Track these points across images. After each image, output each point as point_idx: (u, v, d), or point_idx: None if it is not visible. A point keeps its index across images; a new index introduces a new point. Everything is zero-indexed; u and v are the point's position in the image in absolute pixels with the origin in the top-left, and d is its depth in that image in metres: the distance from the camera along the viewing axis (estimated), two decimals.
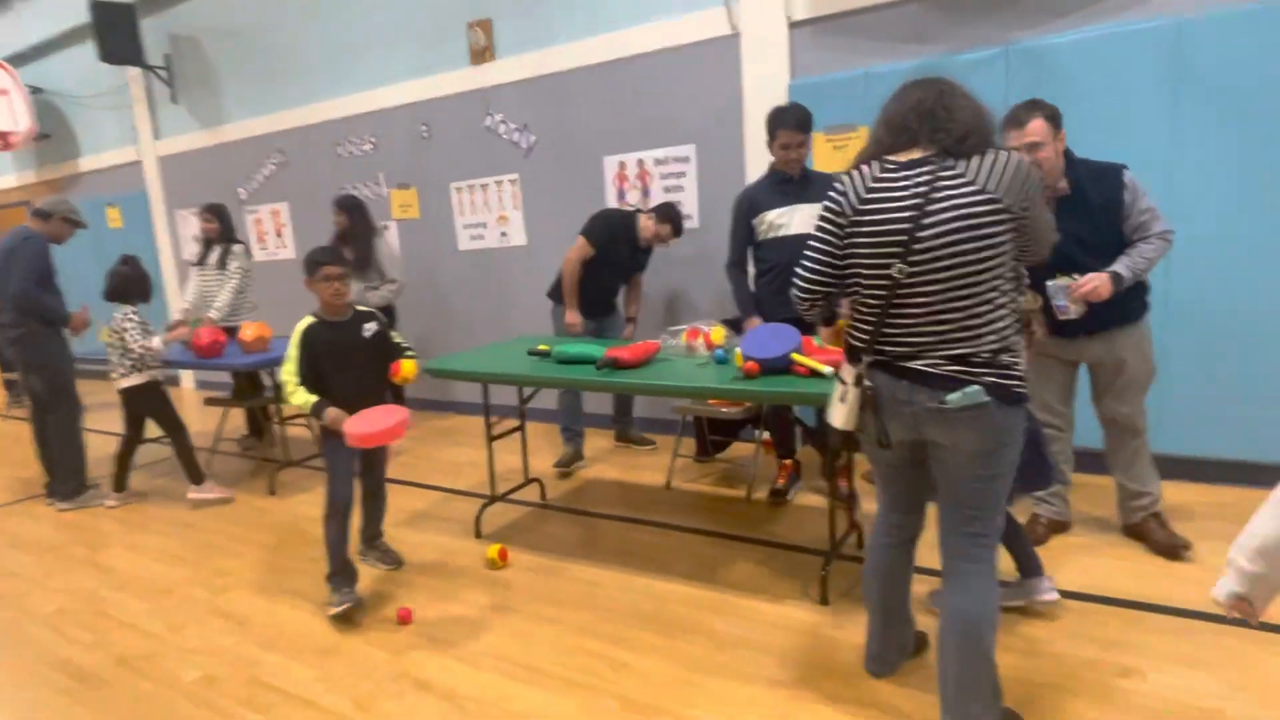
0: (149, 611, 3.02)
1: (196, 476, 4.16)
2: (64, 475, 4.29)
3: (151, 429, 4.13)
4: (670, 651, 2.48)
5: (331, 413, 2.75)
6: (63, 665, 2.67)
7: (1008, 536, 2.46)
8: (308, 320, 2.84)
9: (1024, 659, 2.29)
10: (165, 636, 2.82)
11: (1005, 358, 1.74)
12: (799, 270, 1.96)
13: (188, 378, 7.96)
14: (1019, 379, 1.76)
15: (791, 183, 3.37)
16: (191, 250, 6.35)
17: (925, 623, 2.43)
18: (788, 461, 3.74)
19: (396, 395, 2.99)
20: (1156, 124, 3.31)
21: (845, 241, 1.86)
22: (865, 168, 1.84)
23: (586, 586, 2.96)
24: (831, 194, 1.88)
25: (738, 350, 2.81)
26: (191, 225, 7.28)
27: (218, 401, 5.02)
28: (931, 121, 1.75)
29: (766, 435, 4.02)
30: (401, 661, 2.53)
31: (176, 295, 7.54)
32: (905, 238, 1.73)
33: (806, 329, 3.01)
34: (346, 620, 2.79)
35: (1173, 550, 2.81)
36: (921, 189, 1.73)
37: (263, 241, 6.93)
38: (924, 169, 1.75)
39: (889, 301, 1.79)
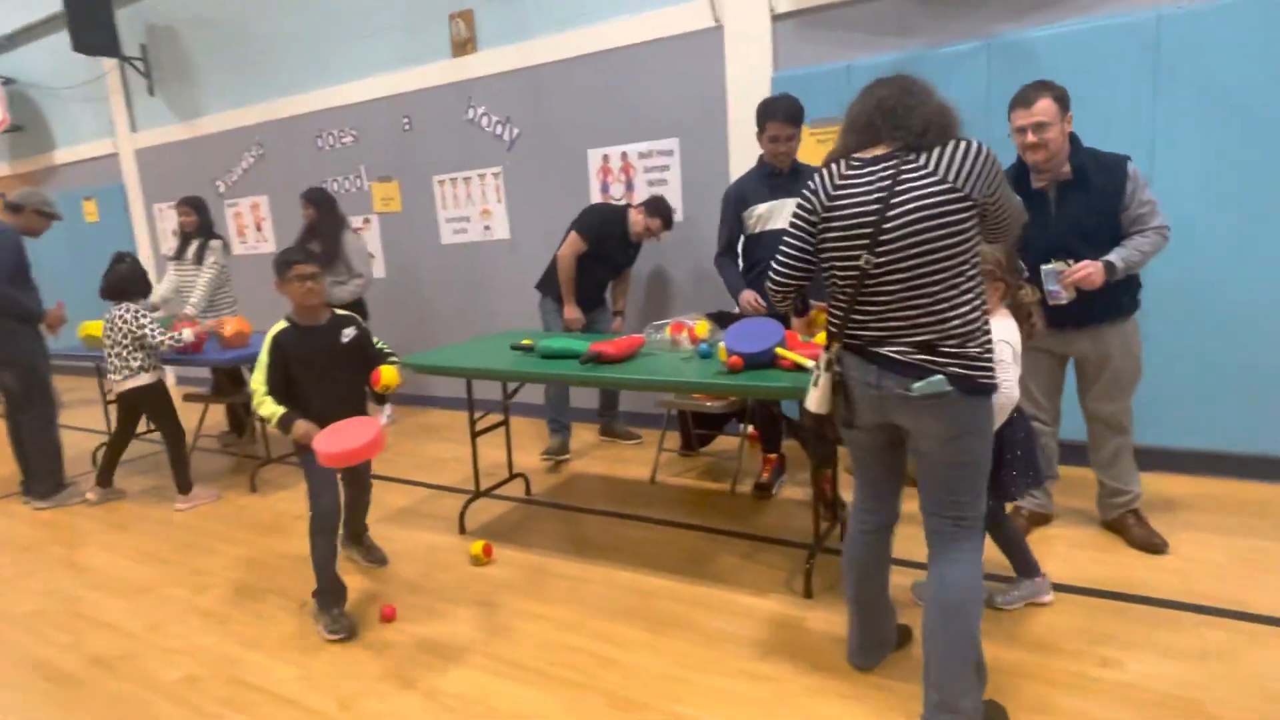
0: (128, 611, 2.98)
1: (185, 485, 4.08)
2: (40, 474, 4.22)
3: (141, 426, 4.08)
4: (656, 647, 2.48)
5: (301, 426, 2.58)
6: (39, 666, 2.63)
7: (1004, 537, 2.48)
8: (280, 324, 2.71)
9: (1005, 649, 2.31)
10: (144, 636, 2.78)
11: (973, 348, 1.80)
12: (774, 264, 2.06)
13: (168, 374, 7.86)
14: (985, 369, 1.81)
15: (780, 176, 3.34)
16: (170, 245, 6.26)
17: (911, 617, 2.45)
18: (772, 455, 3.75)
19: (377, 396, 2.86)
20: (1136, 116, 3.33)
21: (818, 237, 1.95)
22: (834, 166, 1.92)
23: (572, 582, 2.95)
24: (804, 192, 1.97)
25: (722, 345, 2.81)
26: (170, 219, 7.20)
27: (197, 398, 4.97)
28: (893, 119, 1.83)
29: (751, 429, 4.03)
30: (385, 660, 2.51)
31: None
32: (871, 229, 1.81)
33: (790, 324, 3.01)
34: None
35: (1150, 547, 2.84)
36: (885, 182, 1.81)
37: (242, 235, 6.85)
38: (888, 163, 1.83)
39: (858, 290, 1.87)
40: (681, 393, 3.79)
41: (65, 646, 2.75)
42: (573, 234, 4.15)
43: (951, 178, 1.76)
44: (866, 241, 1.82)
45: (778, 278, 2.06)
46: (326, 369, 2.71)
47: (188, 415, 5.27)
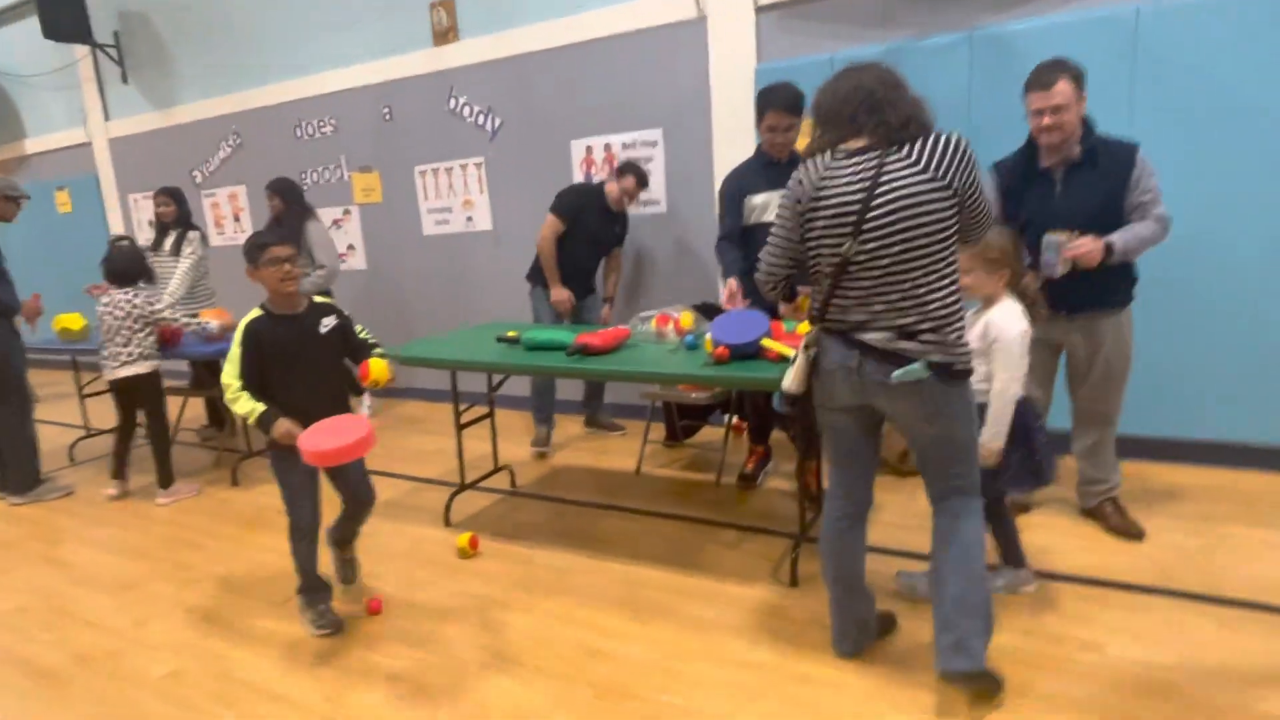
0: (112, 607, 2.95)
1: (167, 479, 4.04)
2: (16, 469, 4.16)
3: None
4: (644, 636, 2.50)
5: (283, 425, 2.39)
6: (23, 665, 2.60)
7: (1003, 528, 2.52)
8: (254, 313, 2.49)
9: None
10: (129, 632, 2.76)
11: (950, 334, 1.89)
12: (762, 255, 2.15)
13: None
14: (963, 355, 1.91)
15: (777, 167, 3.23)
16: (147, 235, 6.17)
17: (894, 605, 2.48)
18: (759, 447, 3.77)
19: (355, 387, 2.72)
20: (1115, 108, 3.37)
21: (803, 228, 1.99)
22: (819, 158, 1.96)
23: (558, 573, 2.97)
24: (789, 184, 2.02)
25: (708, 336, 2.82)
26: (145, 210, 7.09)
27: (176, 391, 4.90)
28: (877, 113, 1.88)
29: (735, 419, 4.05)
30: (371, 653, 2.51)
31: None
32: (855, 218, 1.87)
33: (777, 315, 3.03)
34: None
35: (1128, 534, 2.89)
36: (870, 173, 1.87)
37: (220, 226, 6.76)
38: (870, 155, 1.89)
39: (839, 275, 1.94)
40: (667, 384, 3.81)
41: (49, 644, 2.72)
42: (549, 216, 4.16)
43: (934, 169, 1.83)
44: (850, 229, 1.88)
45: (766, 268, 2.14)
46: (304, 362, 2.51)
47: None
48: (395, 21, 5.32)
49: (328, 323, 2.58)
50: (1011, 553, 2.55)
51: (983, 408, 2.26)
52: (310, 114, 5.91)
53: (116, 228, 7.45)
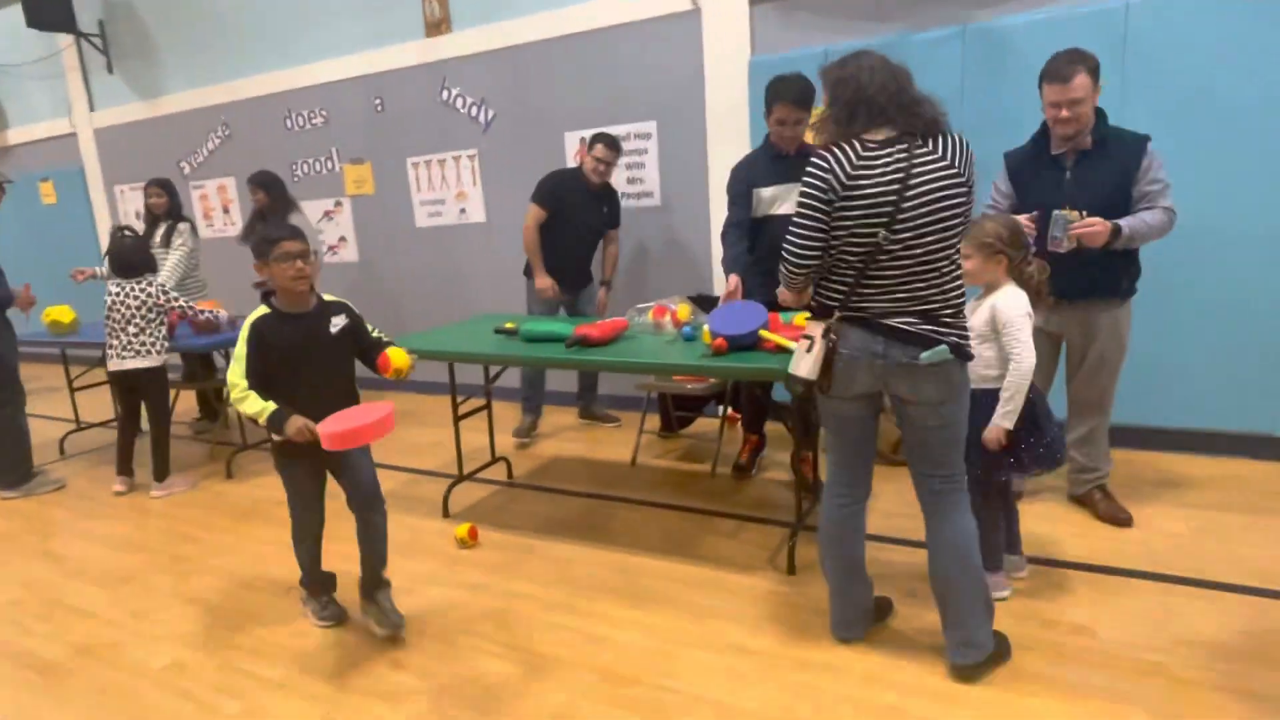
0: (109, 599, 2.95)
1: (163, 473, 4.02)
2: (8, 463, 4.13)
3: (108, 414, 4.01)
4: (645, 624, 2.53)
5: (296, 423, 2.26)
6: (22, 657, 2.60)
7: (1003, 511, 2.56)
8: (260, 311, 2.39)
9: None
10: (129, 624, 2.76)
11: (960, 320, 1.99)
12: (789, 249, 2.04)
13: None
14: (969, 339, 2.02)
15: (785, 160, 3.21)
16: (135, 227, 6.11)
17: (890, 590, 2.53)
18: (754, 436, 3.80)
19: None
20: (1105, 102, 3.35)
21: (832, 217, 1.96)
22: (847, 147, 1.94)
23: (558, 563, 2.99)
24: (814, 173, 1.97)
25: (705, 327, 2.85)
26: (132, 201, 7.02)
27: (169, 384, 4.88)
28: (909, 108, 1.93)
29: (730, 410, 4.08)
30: (376, 642, 2.53)
31: None
32: (891, 209, 1.90)
33: (775, 308, 3.04)
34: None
35: (1116, 520, 2.94)
36: (901, 165, 1.90)
37: (209, 218, 6.71)
38: (899, 148, 1.92)
39: (868, 265, 1.96)
40: (663, 375, 3.84)
41: (47, 636, 2.72)
42: (530, 205, 4.18)
43: (958, 164, 1.91)
44: (885, 219, 1.91)
45: (798, 260, 2.03)
46: (312, 363, 2.40)
47: None
48: (387, 12, 5.29)
49: (338, 322, 2.47)
50: (1009, 539, 2.60)
51: (989, 394, 2.30)
52: (301, 105, 5.88)
53: (102, 220, 7.38)
